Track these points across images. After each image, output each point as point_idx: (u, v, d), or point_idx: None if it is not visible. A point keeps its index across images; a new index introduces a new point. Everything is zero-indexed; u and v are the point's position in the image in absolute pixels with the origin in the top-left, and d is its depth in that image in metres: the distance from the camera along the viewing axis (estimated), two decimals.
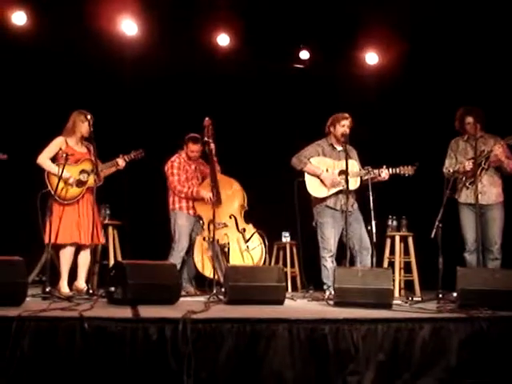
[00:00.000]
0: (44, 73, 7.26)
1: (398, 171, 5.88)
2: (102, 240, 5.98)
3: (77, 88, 7.19)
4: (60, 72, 7.29)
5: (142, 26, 7.45)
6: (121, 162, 5.91)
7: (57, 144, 5.70)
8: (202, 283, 6.38)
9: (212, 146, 6.27)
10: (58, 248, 5.65)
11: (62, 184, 5.49)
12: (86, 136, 5.75)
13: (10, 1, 7.03)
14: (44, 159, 5.65)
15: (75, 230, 5.61)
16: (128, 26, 7.41)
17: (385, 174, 5.86)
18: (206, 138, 6.23)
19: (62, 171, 5.41)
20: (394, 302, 4.96)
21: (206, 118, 6.26)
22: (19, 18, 7.11)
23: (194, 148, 6.45)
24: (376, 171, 5.86)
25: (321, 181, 5.97)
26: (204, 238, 6.15)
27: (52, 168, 5.61)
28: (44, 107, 7.17)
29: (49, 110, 7.07)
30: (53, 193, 5.47)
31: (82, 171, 5.69)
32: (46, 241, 5.44)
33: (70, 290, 5.60)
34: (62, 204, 5.58)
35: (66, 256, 5.64)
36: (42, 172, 5.63)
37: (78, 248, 5.71)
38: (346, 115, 6.01)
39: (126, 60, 7.46)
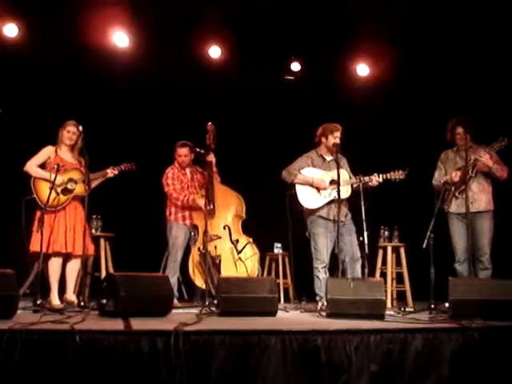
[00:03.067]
0: (35, 85, 7.26)
1: (388, 176, 5.89)
2: (92, 251, 5.96)
3: (68, 100, 7.19)
4: (51, 84, 7.30)
5: (133, 37, 7.47)
6: (110, 172, 5.94)
7: (45, 152, 5.74)
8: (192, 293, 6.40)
9: (212, 157, 6.29)
10: (46, 259, 5.61)
11: (54, 194, 5.48)
12: (67, 143, 5.77)
13: (2, 13, 7.03)
14: (31, 166, 5.67)
15: (62, 239, 5.59)
16: (120, 38, 7.44)
17: (375, 180, 5.88)
18: (208, 143, 6.26)
19: (55, 178, 5.42)
20: (387, 312, 4.96)
21: (209, 123, 6.28)
22: (11, 30, 7.12)
23: (182, 152, 6.47)
24: (366, 178, 5.89)
25: (314, 188, 5.97)
26: (199, 249, 6.15)
27: (39, 173, 5.61)
28: (35, 118, 7.16)
29: (40, 121, 7.07)
30: (38, 200, 5.49)
31: (70, 180, 5.69)
32: (32, 249, 5.44)
33: (60, 302, 5.57)
34: (49, 212, 5.55)
35: (54, 266, 5.62)
36: (27, 179, 5.62)
37: (65, 259, 5.68)
38: (338, 126, 6.04)
39: (117, 71, 7.46)
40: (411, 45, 7.49)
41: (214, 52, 7.80)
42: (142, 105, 7.66)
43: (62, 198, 5.65)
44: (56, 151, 5.76)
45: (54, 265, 5.62)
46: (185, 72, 7.58)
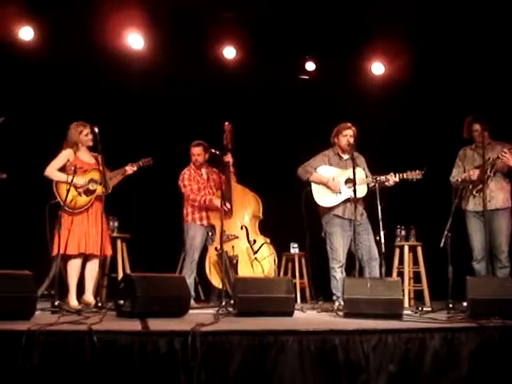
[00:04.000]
0: (51, 87, 7.30)
1: (405, 176, 5.86)
2: (110, 252, 5.99)
3: (84, 102, 7.22)
4: (67, 86, 7.32)
5: (148, 39, 7.50)
6: (129, 169, 5.95)
7: (65, 156, 5.74)
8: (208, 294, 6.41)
9: (229, 157, 6.29)
10: (65, 260, 5.65)
11: (71, 194, 5.51)
12: (87, 145, 5.79)
13: (18, 17, 7.08)
14: (51, 170, 5.69)
15: (83, 240, 5.62)
16: (134, 40, 7.47)
17: (392, 179, 5.85)
18: (225, 143, 6.27)
19: (72, 179, 5.45)
20: (404, 312, 4.94)
21: (226, 123, 6.29)
22: (26, 33, 7.17)
23: (195, 151, 6.50)
24: (383, 177, 5.86)
25: (328, 189, 5.96)
26: (216, 248, 6.15)
27: (61, 177, 5.63)
28: (51, 121, 7.20)
29: (56, 125, 7.10)
30: (62, 203, 5.50)
31: (91, 180, 5.71)
32: (54, 253, 5.46)
33: (78, 303, 5.61)
34: (71, 214, 5.60)
35: (73, 268, 5.65)
36: (50, 184, 5.66)
37: (85, 259, 5.71)
38: (349, 125, 6.03)
39: (133, 73, 7.50)
40: (427, 42, 7.44)
41: (229, 52, 7.81)
42: (158, 106, 7.68)
43: (85, 199, 5.68)
44: (75, 153, 5.77)
45: (74, 266, 5.65)
46: (200, 73, 7.57)
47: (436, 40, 7.40)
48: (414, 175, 5.85)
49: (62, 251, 5.41)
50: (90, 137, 5.74)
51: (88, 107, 7.02)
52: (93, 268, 5.71)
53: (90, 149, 5.85)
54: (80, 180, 5.64)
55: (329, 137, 6.17)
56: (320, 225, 6.08)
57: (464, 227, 6.04)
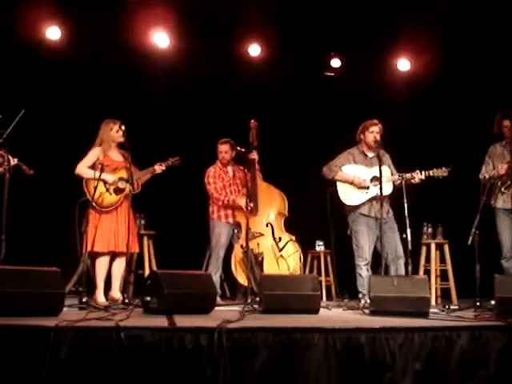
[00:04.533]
0: (78, 86, 7.37)
1: (431, 174, 5.81)
2: (137, 249, 6.04)
3: (110, 100, 7.28)
4: (93, 85, 7.39)
5: (173, 38, 7.54)
6: (158, 169, 5.97)
7: (94, 153, 5.79)
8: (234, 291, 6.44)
9: (254, 154, 6.30)
10: (93, 257, 5.71)
11: (99, 191, 5.56)
12: (118, 142, 5.83)
13: (45, 16, 7.16)
14: (82, 168, 5.73)
15: (112, 238, 5.67)
16: (160, 39, 7.52)
17: (418, 177, 5.80)
18: (251, 140, 6.28)
19: (100, 175, 5.48)
20: (431, 310, 4.90)
21: (252, 120, 6.30)
22: (53, 32, 7.26)
23: (222, 148, 6.52)
24: (409, 175, 5.81)
25: (354, 187, 5.93)
26: (241, 246, 6.17)
27: (91, 174, 5.65)
28: (78, 119, 7.28)
29: (83, 123, 7.18)
30: (91, 200, 5.54)
31: (120, 179, 5.76)
32: (84, 250, 5.52)
33: (105, 299, 5.66)
34: (100, 212, 5.65)
35: (102, 265, 5.71)
36: (79, 182, 5.71)
37: (112, 257, 5.76)
38: (375, 121, 6.00)
39: (158, 71, 7.54)
40: (454, 36, 7.36)
41: (254, 50, 7.81)
42: (183, 104, 7.72)
43: (115, 197, 5.73)
44: (104, 151, 5.81)
45: (102, 263, 5.71)
46: (226, 70, 7.60)
47: (463, 34, 7.32)
48: (440, 172, 5.79)
49: (90, 248, 5.47)
50: (121, 133, 5.77)
51: (114, 105, 7.08)
52: (120, 265, 5.75)
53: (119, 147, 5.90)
54: (109, 177, 5.69)
55: (354, 134, 6.14)
56: (346, 222, 6.06)
57: (493, 224, 5.97)
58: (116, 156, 5.86)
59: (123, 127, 5.65)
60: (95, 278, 5.75)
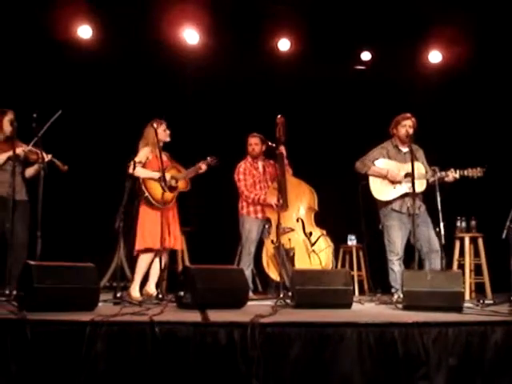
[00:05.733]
0: (107, 84, 7.45)
1: (465, 173, 5.72)
2: (180, 246, 6.15)
3: (141, 97, 7.35)
4: (124, 83, 7.45)
5: (203, 34, 7.57)
6: (203, 167, 6.00)
7: (144, 153, 5.81)
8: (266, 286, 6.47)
9: (282, 149, 6.31)
10: (139, 252, 5.75)
11: (159, 189, 5.64)
12: (165, 141, 5.87)
13: (76, 16, 7.25)
14: (141, 170, 5.73)
15: (158, 236, 5.59)
16: (190, 35, 7.55)
17: (452, 175, 5.74)
18: (278, 135, 6.28)
19: (164, 175, 5.57)
20: (465, 305, 4.86)
21: (279, 116, 6.30)
22: (85, 31, 7.34)
23: (252, 141, 6.53)
24: (443, 173, 5.75)
25: (387, 181, 5.89)
26: (272, 241, 6.18)
27: (147, 174, 5.73)
28: (110, 116, 7.36)
29: (115, 119, 7.27)
30: (150, 198, 5.65)
31: (172, 177, 5.82)
32: (137, 247, 5.65)
33: (140, 294, 5.72)
34: (152, 209, 5.70)
35: (145, 261, 5.75)
36: (137, 181, 5.73)
37: (156, 253, 5.77)
38: (408, 115, 5.94)
39: (188, 68, 7.59)
40: (486, 28, 7.23)
41: (284, 45, 7.79)
42: (212, 100, 7.73)
43: (170, 195, 5.78)
44: (152, 151, 5.83)
45: (146, 260, 5.74)
46: (255, 65, 7.61)
47: (496, 26, 7.19)
48: (475, 172, 5.68)
49: (139, 245, 5.61)
50: (168, 132, 5.82)
51: (145, 102, 7.15)
52: (162, 261, 5.76)
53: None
54: (168, 175, 5.75)
55: (385, 128, 6.09)
56: (378, 217, 6.02)
57: None
58: (163, 155, 5.90)
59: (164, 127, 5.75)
60: (133, 272, 5.81)
